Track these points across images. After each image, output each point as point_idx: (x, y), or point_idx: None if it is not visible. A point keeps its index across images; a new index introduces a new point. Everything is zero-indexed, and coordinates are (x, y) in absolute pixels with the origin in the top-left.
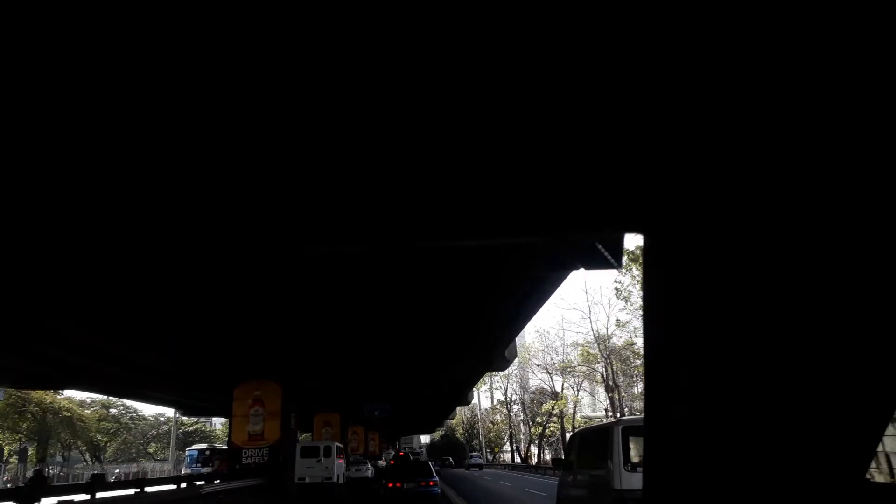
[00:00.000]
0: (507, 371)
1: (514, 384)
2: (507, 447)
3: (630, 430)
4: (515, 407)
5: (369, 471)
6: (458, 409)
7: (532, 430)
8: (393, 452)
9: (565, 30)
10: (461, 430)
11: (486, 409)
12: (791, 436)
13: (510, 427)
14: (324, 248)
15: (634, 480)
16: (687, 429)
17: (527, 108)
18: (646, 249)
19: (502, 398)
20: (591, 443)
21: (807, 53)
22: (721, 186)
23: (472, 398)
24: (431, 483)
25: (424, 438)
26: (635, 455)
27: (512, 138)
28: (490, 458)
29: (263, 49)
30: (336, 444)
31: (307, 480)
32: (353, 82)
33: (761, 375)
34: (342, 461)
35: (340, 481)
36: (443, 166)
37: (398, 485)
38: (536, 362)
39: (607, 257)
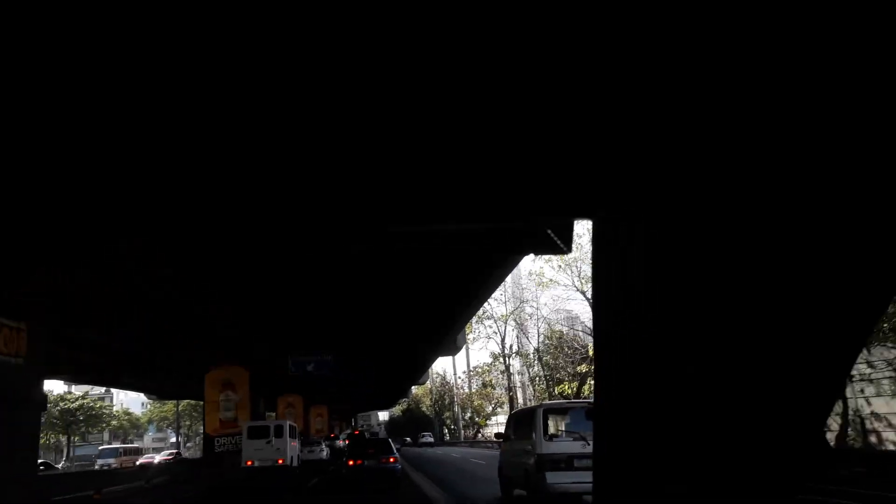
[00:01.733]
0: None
1: (517, 331)
2: (500, 419)
3: (549, 411)
4: (516, 364)
5: (324, 451)
6: (430, 371)
7: (557, 388)
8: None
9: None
10: (428, 402)
11: (463, 373)
12: (743, 405)
13: (509, 390)
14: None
15: (551, 447)
16: (637, 404)
17: (484, 109)
18: (594, 235)
19: (494, 351)
20: (522, 421)
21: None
22: (667, 173)
23: (426, 378)
24: (392, 459)
25: (383, 415)
26: (552, 429)
27: (472, 135)
28: (474, 433)
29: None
30: (289, 423)
31: (256, 464)
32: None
33: (712, 350)
34: (297, 444)
35: (294, 464)
36: (406, 160)
37: (359, 462)
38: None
39: (557, 242)
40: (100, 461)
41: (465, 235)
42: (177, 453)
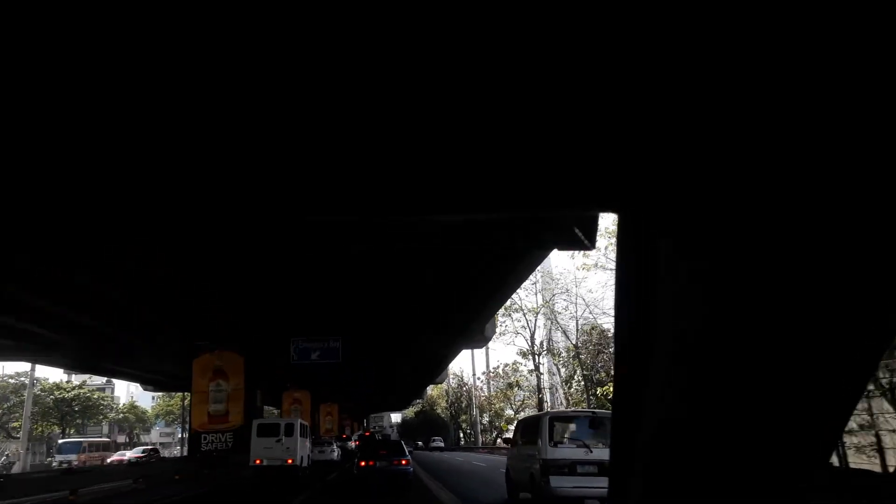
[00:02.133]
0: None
1: (549, 324)
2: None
3: (555, 419)
4: (545, 363)
5: (335, 452)
6: (447, 371)
7: (600, 390)
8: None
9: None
10: (444, 404)
11: (483, 373)
12: (760, 423)
13: (538, 391)
14: (320, 216)
15: (556, 453)
16: (657, 417)
17: (506, 91)
18: (620, 229)
19: (522, 349)
20: (529, 427)
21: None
22: (704, 164)
23: (445, 376)
24: (404, 462)
25: (395, 417)
26: (557, 436)
27: (491, 119)
28: (493, 438)
29: None
30: (301, 421)
31: (265, 463)
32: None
33: (738, 363)
34: (308, 443)
35: (305, 464)
36: (426, 146)
37: (370, 463)
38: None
39: (581, 238)
40: (59, 457)
41: (476, 231)
42: (152, 450)
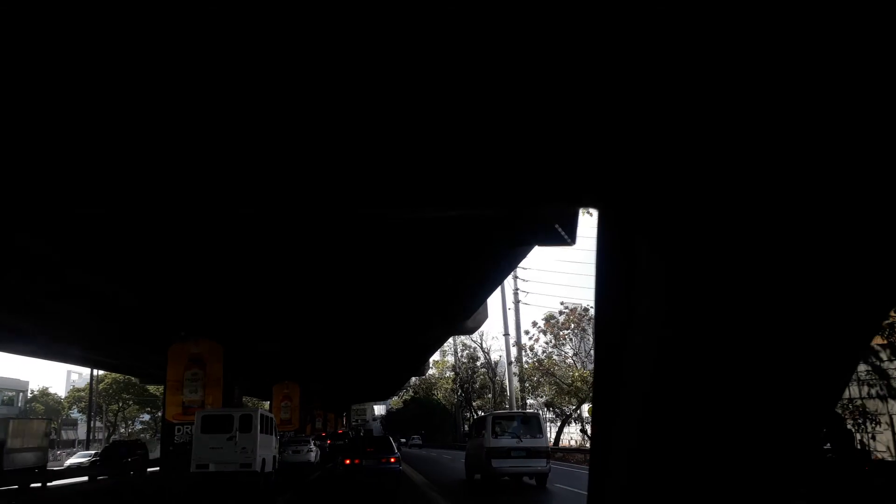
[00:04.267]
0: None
1: None
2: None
3: (496, 418)
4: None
5: (312, 453)
6: (450, 341)
7: None
8: (350, 433)
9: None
10: (448, 386)
11: (527, 336)
12: (739, 424)
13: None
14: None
15: (496, 442)
16: (635, 417)
17: (486, 85)
18: (600, 225)
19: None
20: (479, 424)
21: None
22: (685, 161)
23: (428, 368)
24: (392, 460)
25: (379, 409)
26: (498, 430)
27: (467, 111)
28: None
29: None
30: (263, 412)
31: (211, 468)
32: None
33: (715, 365)
34: (274, 441)
35: (269, 468)
36: (403, 139)
37: (356, 462)
38: None
39: (562, 234)
40: None
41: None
42: (96, 457)
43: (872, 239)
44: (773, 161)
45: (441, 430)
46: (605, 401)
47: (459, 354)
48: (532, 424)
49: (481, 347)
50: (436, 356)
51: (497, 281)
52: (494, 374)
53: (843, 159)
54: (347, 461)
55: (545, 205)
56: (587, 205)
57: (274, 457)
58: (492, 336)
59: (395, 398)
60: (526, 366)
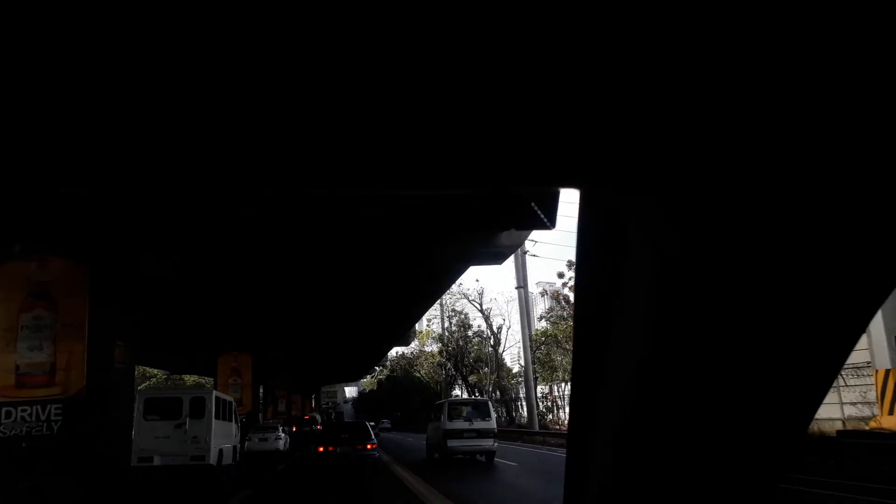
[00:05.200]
0: None
1: None
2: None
3: (451, 403)
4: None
5: (281, 440)
6: (436, 306)
7: None
8: (318, 417)
9: None
10: (433, 359)
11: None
12: (722, 423)
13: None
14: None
15: (451, 425)
16: (614, 415)
17: (457, 54)
18: (582, 207)
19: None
20: (437, 409)
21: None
22: (672, 144)
23: (412, 336)
24: (369, 446)
25: (350, 390)
26: (452, 414)
27: (441, 83)
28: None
29: None
30: (219, 394)
31: (156, 462)
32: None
33: (699, 360)
34: (234, 428)
35: (230, 461)
36: (372, 112)
37: (330, 449)
38: None
39: (541, 216)
40: None
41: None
42: None
43: (867, 240)
44: (772, 160)
45: (424, 411)
46: (582, 403)
47: (449, 322)
48: (482, 409)
49: (480, 309)
50: (420, 324)
51: (471, 260)
52: (498, 343)
53: (834, 163)
54: (321, 448)
55: (527, 185)
56: (570, 185)
57: (234, 447)
58: (490, 297)
59: (368, 378)
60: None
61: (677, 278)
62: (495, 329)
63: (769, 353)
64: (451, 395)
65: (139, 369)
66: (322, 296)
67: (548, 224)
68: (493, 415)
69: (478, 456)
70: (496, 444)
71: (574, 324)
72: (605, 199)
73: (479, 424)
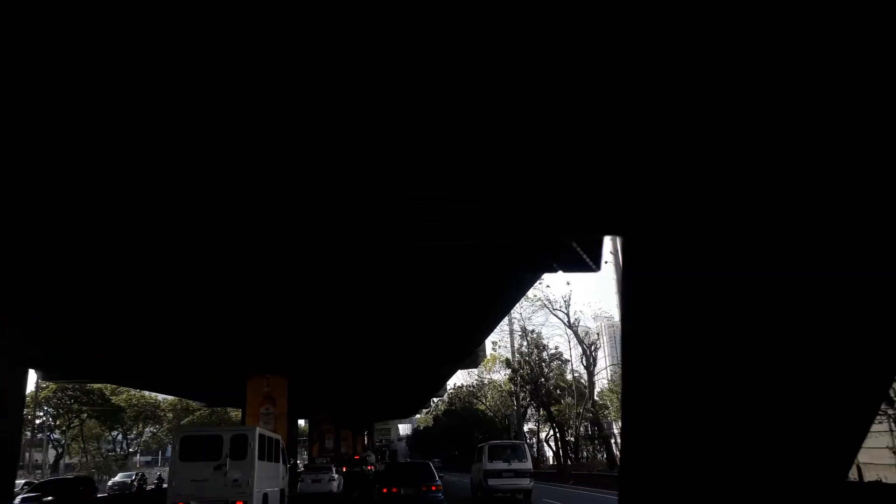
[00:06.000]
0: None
1: None
2: None
3: (491, 446)
4: None
5: (334, 482)
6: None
7: None
8: (372, 456)
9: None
10: (501, 387)
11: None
12: (773, 439)
13: None
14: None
15: (491, 465)
16: (664, 432)
17: (506, 114)
18: (624, 252)
19: None
20: (479, 451)
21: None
22: (703, 192)
23: (480, 357)
24: (434, 488)
25: (404, 428)
26: (492, 456)
27: (493, 142)
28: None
29: None
30: (263, 431)
31: None
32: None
33: (742, 377)
34: (281, 469)
35: None
36: (426, 167)
37: (394, 490)
38: None
39: (586, 260)
40: None
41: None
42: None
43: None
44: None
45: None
46: (632, 421)
47: (518, 344)
48: (519, 451)
49: (568, 323)
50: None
51: (516, 300)
52: (591, 364)
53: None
54: (385, 489)
55: (570, 234)
56: (610, 233)
57: (281, 490)
58: (575, 310)
59: (423, 414)
60: None
61: (717, 311)
62: (587, 346)
63: (805, 397)
64: (524, 430)
65: (182, 402)
66: (375, 315)
67: (593, 267)
68: (529, 456)
69: (517, 495)
70: (532, 483)
71: (621, 357)
72: (645, 248)
73: (516, 465)
